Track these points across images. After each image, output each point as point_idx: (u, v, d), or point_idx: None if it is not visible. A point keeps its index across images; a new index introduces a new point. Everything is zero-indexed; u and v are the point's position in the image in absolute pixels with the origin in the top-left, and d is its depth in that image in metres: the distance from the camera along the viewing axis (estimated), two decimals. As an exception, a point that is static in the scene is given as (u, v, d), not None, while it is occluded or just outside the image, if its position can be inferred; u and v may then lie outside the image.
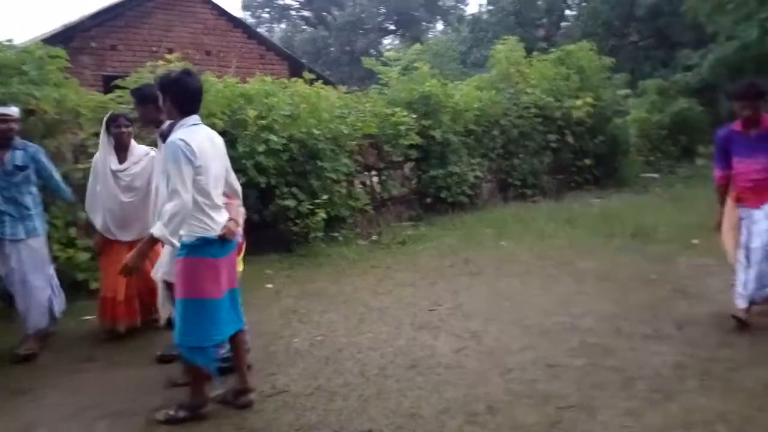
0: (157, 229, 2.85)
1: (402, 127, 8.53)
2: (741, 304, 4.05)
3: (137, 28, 11.92)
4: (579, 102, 11.55)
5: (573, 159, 11.90)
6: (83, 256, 5.15)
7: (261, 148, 6.37)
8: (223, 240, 3.04)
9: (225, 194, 3.23)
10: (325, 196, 6.92)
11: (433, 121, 9.06)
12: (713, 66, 13.79)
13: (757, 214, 4.07)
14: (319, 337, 4.27)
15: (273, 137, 6.49)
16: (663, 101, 15.00)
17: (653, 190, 11.26)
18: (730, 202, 4.29)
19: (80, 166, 5.38)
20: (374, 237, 7.71)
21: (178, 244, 2.92)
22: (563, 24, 25.27)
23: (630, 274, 5.58)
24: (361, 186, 8.44)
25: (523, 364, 3.64)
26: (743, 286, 4.06)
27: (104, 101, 6.09)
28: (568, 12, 25.42)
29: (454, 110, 9.50)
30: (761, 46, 12.09)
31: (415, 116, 8.83)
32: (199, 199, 2.93)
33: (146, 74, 6.47)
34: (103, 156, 4.26)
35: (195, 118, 3.03)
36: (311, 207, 6.73)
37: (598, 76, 12.54)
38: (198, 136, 2.96)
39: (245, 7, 36.97)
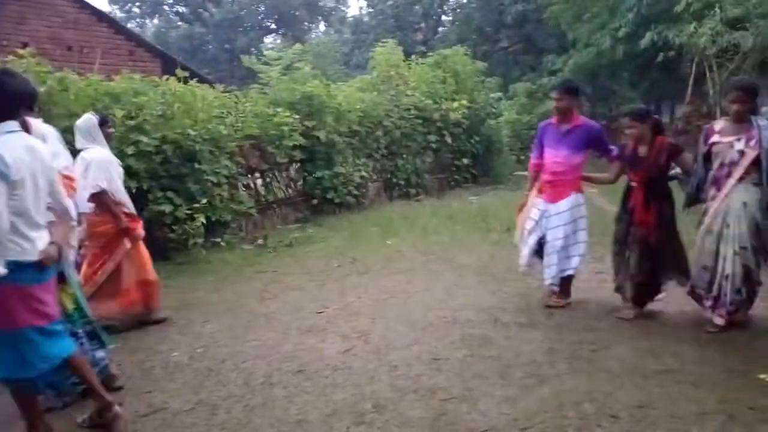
0: None
1: (285, 128, 8.40)
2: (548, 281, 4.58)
3: (-18, 18, 10.71)
4: (455, 104, 12.07)
5: (452, 159, 12.43)
6: None
7: (130, 150, 5.95)
8: (41, 266, 2.68)
9: (54, 213, 2.84)
10: (204, 200, 6.61)
11: (317, 122, 9.01)
12: (573, 71, 14.99)
13: (551, 209, 4.43)
14: (200, 349, 4.06)
15: (143, 138, 6.09)
16: (531, 103, 16.12)
17: (524, 187, 12.00)
18: (534, 190, 4.64)
19: None
20: (260, 241, 7.51)
21: (4, 271, 2.52)
22: (440, 29, 26.25)
23: (505, 266, 5.89)
24: (245, 189, 8.20)
25: (409, 359, 3.71)
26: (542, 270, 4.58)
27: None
28: (444, 17, 26.46)
29: (337, 111, 9.51)
30: (613, 54, 13.34)
31: (298, 117, 8.73)
32: (14, 218, 2.55)
33: (-7, 70, 5.81)
34: (107, 150, 4.36)
35: (12, 125, 2.64)
36: (189, 212, 6.40)
37: (473, 79, 13.18)
38: (13, 146, 2.57)
39: (113, 1, 34.55)
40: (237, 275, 6.04)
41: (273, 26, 36.86)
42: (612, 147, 4.50)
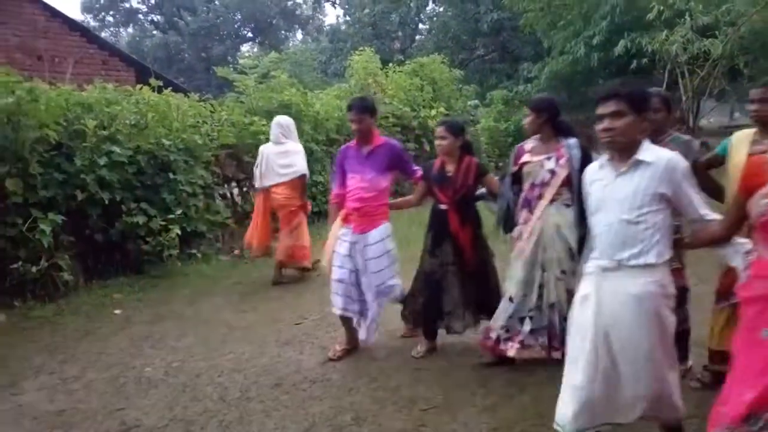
0: None
1: (262, 137, 8.30)
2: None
3: (-53, 27, 10.46)
4: (433, 112, 12.11)
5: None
6: None
7: (103, 160, 5.82)
8: None
9: None
10: (179, 211, 6.49)
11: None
12: (549, 78, 15.14)
13: (362, 240, 3.91)
14: (176, 364, 3.98)
15: (116, 149, 5.97)
16: (508, 111, 16.20)
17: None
18: (339, 219, 4.08)
19: None
20: (237, 252, 7.40)
21: None
22: (417, 37, 26.40)
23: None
24: (221, 199, 8.09)
25: (388, 370, 3.67)
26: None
27: None
28: (421, 26, 26.61)
29: (315, 119, 9.46)
30: (588, 62, 13.51)
31: (275, 126, 8.65)
32: None
33: (-41, 80, 5.66)
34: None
35: None
36: (164, 223, 6.27)
37: (450, 87, 13.25)
38: None
39: (86, 9, 34.10)
40: (213, 287, 5.95)
41: (249, 35, 36.70)
42: (416, 167, 4.18)
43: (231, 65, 10.86)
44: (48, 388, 3.68)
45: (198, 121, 7.59)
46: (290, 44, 35.57)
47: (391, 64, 13.00)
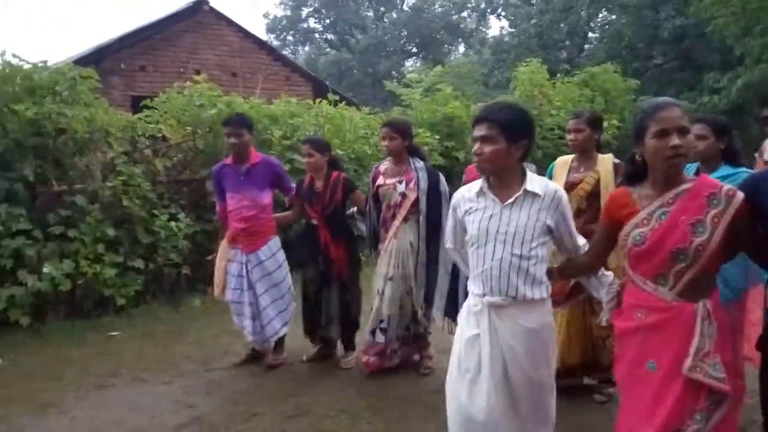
0: None
1: (425, 148, 8.53)
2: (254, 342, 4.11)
3: (164, 50, 12.21)
4: (605, 124, 11.47)
5: (598, 181, 11.79)
6: (109, 272, 5.20)
7: (286, 167, 6.40)
8: None
9: None
10: (349, 215, 6.91)
11: (456, 142, 9.06)
12: (741, 89, 13.60)
13: (253, 259, 3.94)
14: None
15: (297, 157, 6.53)
16: (690, 123, 14.82)
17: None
18: (225, 242, 4.10)
19: (109, 183, 5.47)
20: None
21: None
22: (586, 46, 25.25)
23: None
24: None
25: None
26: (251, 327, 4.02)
27: (133, 121, 6.22)
28: (591, 34, 25.41)
29: (478, 131, 9.48)
30: (790, 69, 11.92)
31: (438, 137, 8.85)
32: None
33: (174, 95, 6.60)
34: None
35: None
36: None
37: (623, 98, 12.48)
38: None
39: (270, 30, 37.70)
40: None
41: (414, 50, 37.86)
42: (292, 184, 4.17)
43: (395, 80, 11.34)
44: (236, 368, 4.13)
45: (367, 133, 8.03)
46: (452, 57, 36.03)
47: (558, 75, 12.59)
